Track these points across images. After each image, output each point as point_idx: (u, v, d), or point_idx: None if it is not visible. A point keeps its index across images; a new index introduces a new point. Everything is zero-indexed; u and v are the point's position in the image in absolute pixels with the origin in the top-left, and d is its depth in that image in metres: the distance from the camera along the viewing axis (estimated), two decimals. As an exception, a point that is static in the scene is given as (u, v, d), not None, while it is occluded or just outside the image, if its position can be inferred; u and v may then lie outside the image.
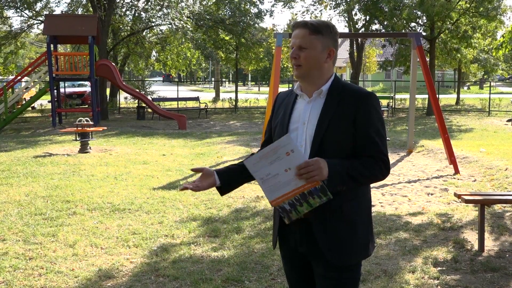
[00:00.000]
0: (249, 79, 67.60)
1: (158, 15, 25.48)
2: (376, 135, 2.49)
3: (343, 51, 50.48)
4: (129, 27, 27.45)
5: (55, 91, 20.42)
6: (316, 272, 2.59)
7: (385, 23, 24.92)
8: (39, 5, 26.25)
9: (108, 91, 28.38)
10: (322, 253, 2.50)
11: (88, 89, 28.19)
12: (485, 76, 48.13)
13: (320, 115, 2.51)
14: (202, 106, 26.24)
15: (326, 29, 2.54)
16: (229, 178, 2.69)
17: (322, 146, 2.47)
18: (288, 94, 2.72)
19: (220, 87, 48.97)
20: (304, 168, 2.33)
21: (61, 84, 23.30)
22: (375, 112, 2.52)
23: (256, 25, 29.91)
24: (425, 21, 24.58)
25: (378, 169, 2.50)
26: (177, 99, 27.92)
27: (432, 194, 8.38)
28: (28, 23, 26.84)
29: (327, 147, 2.47)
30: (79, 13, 27.85)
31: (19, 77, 21.37)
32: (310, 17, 32.22)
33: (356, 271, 2.59)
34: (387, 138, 13.62)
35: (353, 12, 29.37)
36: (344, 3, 28.19)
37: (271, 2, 43.40)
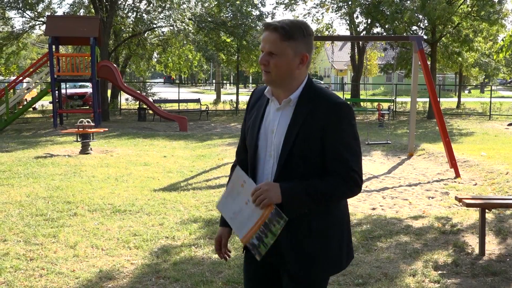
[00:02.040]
0: (250, 81, 67.58)
1: (160, 17, 25.52)
2: (345, 151, 2.34)
3: (345, 54, 50.47)
4: (130, 29, 27.47)
5: (57, 92, 20.44)
6: (284, 283, 2.50)
7: (387, 26, 24.93)
8: (41, 6, 26.25)
9: (109, 92, 28.39)
10: (289, 268, 2.41)
11: (89, 90, 28.20)
12: (486, 80, 48.12)
13: (288, 126, 2.36)
14: (203, 108, 26.25)
15: (299, 33, 2.34)
16: None
17: (289, 159, 2.35)
18: (262, 94, 2.56)
19: (221, 89, 48.98)
20: (254, 195, 2.29)
21: (63, 85, 23.32)
22: (346, 124, 2.35)
23: (258, 27, 29.91)
24: (426, 24, 24.58)
25: (345, 187, 2.36)
26: (178, 101, 27.93)
27: (433, 198, 8.38)
28: (30, 24, 26.85)
29: (295, 161, 2.34)
30: (81, 14, 27.89)
31: (20, 78, 21.40)
32: (312, 20, 32.27)
33: (323, 285, 2.50)
34: (389, 142, 13.56)
35: (355, 15, 29.42)
36: (345, 6, 28.23)
37: (272, 4, 43.41)
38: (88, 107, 27.54)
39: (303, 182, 2.32)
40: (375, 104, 28.56)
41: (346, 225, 2.53)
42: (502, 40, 11.33)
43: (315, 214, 2.39)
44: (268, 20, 26.73)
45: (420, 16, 23.53)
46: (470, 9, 23.55)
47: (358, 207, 7.69)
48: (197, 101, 27.36)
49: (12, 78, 28.04)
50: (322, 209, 2.41)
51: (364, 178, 9.94)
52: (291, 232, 2.37)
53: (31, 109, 25.07)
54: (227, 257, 2.73)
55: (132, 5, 27.28)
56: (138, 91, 25.64)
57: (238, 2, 28.43)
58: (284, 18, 2.45)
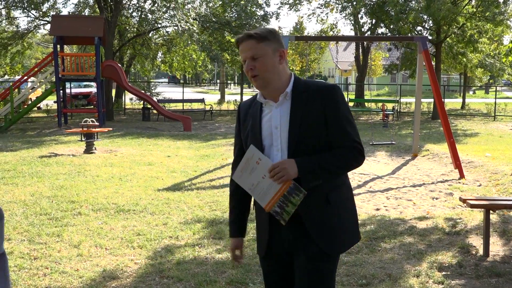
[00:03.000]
0: (255, 81, 67.53)
1: (165, 16, 25.54)
2: (347, 125, 2.59)
3: (349, 54, 50.41)
4: (135, 29, 27.52)
5: (61, 91, 20.48)
6: (297, 264, 2.64)
7: (391, 26, 24.89)
8: (46, 6, 26.32)
9: (113, 92, 28.44)
10: (313, 243, 2.57)
11: (94, 90, 28.27)
12: (491, 81, 48.01)
13: (290, 116, 2.58)
14: (207, 107, 26.26)
15: (270, 35, 2.59)
16: (246, 225, 2.95)
17: (298, 146, 2.55)
18: (251, 103, 2.76)
19: (226, 89, 49.03)
20: (272, 172, 2.49)
21: (67, 84, 23.37)
22: (342, 103, 2.60)
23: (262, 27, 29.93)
24: (431, 25, 24.53)
25: (352, 157, 2.60)
26: (182, 101, 27.94)
27: (437, 199, 8.36)
28: (35, 23, 26.91)
29: (303, 146, 2.55)
30: (86, 14, 27.94)
31: (25, 77, 21.44)
32: (317, 20, 32.26)
33: (336, 262, 2.67)
34: (393, 142, 13.53)
35: (359, 16, 29.39)
36: (350, 7, 28.19)
37: (277, 4, 43.43)
38: (92, 106, 27.60)
39: (315, 156, 2.54)
40: (380, 104, 28.54)
41: (352, 197, 2.78)
42: (511, 42, 11.29)
43: (330, 188, 2.60)
44: (273, 20, 26.72)
45: (425, 17, 23.48)
46: (475, 10, 23.49)
47: (362, 207, 7.68)
48: (201, 101, 27.36)
49: (17, 77, 28.10)
50: (335, 182, 2.64)
51: (368, 178, 9.96)
52: (310, 207, 2.56)
53: (35, 108, 25.14)
54: (242, 262, 3.00)
55: (137, 5, 27.34)
56: (143, 91, 25.68)
57: (242, 2, 28.44)
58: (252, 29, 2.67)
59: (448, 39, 24.71)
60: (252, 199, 2.71)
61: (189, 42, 27.02)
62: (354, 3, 27.00)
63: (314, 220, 2.57)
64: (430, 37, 24.50)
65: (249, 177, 2.57)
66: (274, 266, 2.77)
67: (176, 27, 25.22)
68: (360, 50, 31.15)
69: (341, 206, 2.64)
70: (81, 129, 13.12)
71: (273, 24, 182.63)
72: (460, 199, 6.00)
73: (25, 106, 20.75)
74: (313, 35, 34.93)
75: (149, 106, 22.86)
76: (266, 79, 2.59)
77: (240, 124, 2.80)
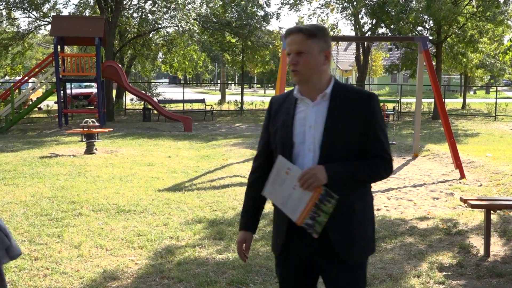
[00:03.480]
0: (255, 81, 67.61)
1: (165, 17, 25.55)
2: (381, 134, 2.58)
3: (350, 54, 50.43)
4: (136, 29, 27.53)
5: (62, 92, 20.49)
6: (327, 272, 2.61)
7: (392, 26, 24.89)
8: (46, 6, 26.34)
9: (114, 92, 28.44)
10: (335, 253, 2.55)
11: (94, 90, 28.27)
12: (491, 81, 48.00)
13: (326, 118, 2.54)
14: (208, 108, 26.26)
15: (320, 32, 2.56)
16: (258, 222, 2.88)
17: (331, 149, 2.51)
18: (285, 98, 2.72)
19: (226, 90, 49.01)
20: (302, 179, 2.44)
21: (68, 85, 23.38)
22: (378, 112, 2.60)
23: (263, 28, 29.93)
24: (431, 25, 24.53)
25: (382, 167, 2.59)
26: (183, 101, 27.95)
27: (437, 199, 8.36)
28: (36, 24, 26.94)
29: (336, 149, 2.52)
30: (87, 14, 27.95)
31: (26, 78, 21.46)
32: (317, 20, 32.23)
33: (366, 266, 2.69)
34: (394, 142, 13.54)
35: (360, 16, 29.38)
36: (351, 7, 28.18)
37: (277, 5, 43.45)
38: (93, 107, 27.60)
39: (346, 164, 2.52)
40: (380, 104, 28.50)
41: (373, 208, 2.76)
42: (509, 40, 11.29)
43: (357, 197, 2.59)
44: (273, 20, 26.72)
45: (425, 17, 23.48)
46: (475, 10, 23.48)
47: (363, 208, 7.66)
48: (202, 101, 27.37)
49: (18, 78, 28.12)
50: (361, 191, 2.62)
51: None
52: (337, 217, 2.51)
53: (36, 109, 25.13)
54: (247, 259, 2.86)
55: (137, 5, 27.36)
56: (143, 91, 25.68)
57: (243, 3, 28.45)
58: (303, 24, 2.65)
59: (448, 39, 24.70)
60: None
61: (190, 42, 27.06)
62: (355, 3, 27.00)
63: (338, 228, 2.53)
64: (430, 37, 24.50)
65: (280, 189, 2.52)
66: (290, 267, 2.71)
67: (176, 28, 25.25)
68: (361, 50, 31.14)
69: (365, 215, 2.63)
70: (81, 129, 13.13)
71: (273, 25, 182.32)
72: (461, 199, 5.99)
73: (26, 107, 20.75)
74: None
75: (149, 106, 22.87)
76: (306, 76, 2.56)
77: (270, 118, 2.74)
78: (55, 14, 25.45)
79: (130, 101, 31.27)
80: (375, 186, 9.32)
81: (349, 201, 2.53)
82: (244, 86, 39.86)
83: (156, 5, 25.27)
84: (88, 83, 28.62)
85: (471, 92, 54.13)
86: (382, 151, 2.57)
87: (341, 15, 30.66)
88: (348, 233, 2.55)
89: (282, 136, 2.62)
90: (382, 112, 2.63)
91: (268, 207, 7.65)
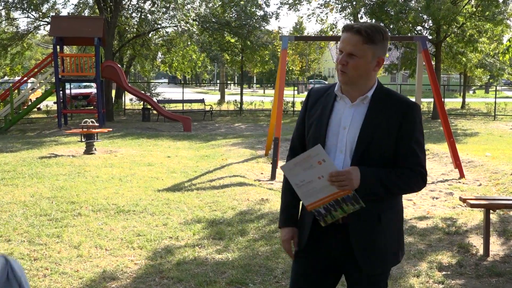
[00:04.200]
0: (254, 81, 67.61)
1: (164, 17, 25.54)
2: (417, 147, 2.49)
3: (349, 54, 50.14)
4: (135, 29, 27.52)
5: (61, 92, 20.48)
6: (350, 274, 2.60)
7: (391, 26, 24.88)
8: (45, 7, 26.33)
9: (113, 92, 28.44)
10: (356, 261, 2.50)
11: (93, 90, 28.28)
12: (490, 80, 48.02)
13: (364, 121, 2.47)
14: (207, 108, 26.26)
15: (379, 37, 2.44)
16: (297, 215, 2.74)
17: (363, 154, 2.45)
18: (325, 92, 2.63)
19: (225, 90, 49.01)
20: (335, 177, 2.38)
21: (67, 85, 23.37)
22: (418, 123, 2.50)
23: (262, 27, 29.93)
24: (431, 24, 24.55)
25: (415, 181, 2.51)
26: (182, 101, 27.96)
27: (437, 198, 8.36)
28: (35, 24, 26.93)
29: (369, 155, 2.45)
30: (86, 14, 27.95)
31: (25, 78, 21.45)
32: (316, 20, 32.26)
33: (387, 277, 2.64)
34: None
35: (359, 16, 29.34)
36: (350, 6, 28.18)
37: (277, 4, 43.34)
38: (92, 107, 27.60)
39: (380, 172, 2.44)
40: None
41: (403, 219, 2.68)
42: (509, 40, 11.29)
43: (384, 207, 2.52)
44: (272, 20, 26.69)
45: (425, 16, 23.49)
46: (474, 9, 23.49)
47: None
48: (201, 101, 27.37)
49: (17, 78, 28.11)
50: (390, 201, 2.55)
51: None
52: (360, 223, 2.47)
53: (35, 109, 25.14)
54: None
55: (137, 5, 27.33)
56: (142, 92, 25.68)
57: (242, 3, 28.45)
58: (364, 22, 2.55)
59: (447, 38, 24.72)
60: None
61: (189, 42, 27.04)
62: (354, 3, 27.01)
63: (361, 236, 2.48)
64: (429, 37, 24.51)
65: (303, 172, 2.44)
66: (309, 266, 2.65)
67: (176, 28, 25.24)
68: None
69: (391, 227, 2.54)
70: (81, 129, 13.12)
71: (272, 24, 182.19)
72: (460, 198, 5.99)
73: (25, 107, 20.75)
74: (313, 35, 34.92)
75: (149, 106, 22.87)
76: (353, 79, 2.48)
77: (306, 109, 2.66)
78: (54, 14, 25.45)
79: (130, 101, 31.27)
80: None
81: (375, 210, 2.47)
82: (244, 86, 39.88)
83: (156, 5, 25.27)
84: (87, 83, 28.61)
85: (471, 92, 54.14)
86: (417, 165, 2.49)
87: (340, 14, 30.68)
88: (371, 243, 2.49)
89: (315, 132, 2.55)
90: (422, 125, 2.53)
91: (268, 207, 7.65)
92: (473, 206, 5.68)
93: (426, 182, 2.57)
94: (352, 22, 31.48)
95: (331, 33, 31.51)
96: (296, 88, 42.38)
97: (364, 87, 2.51)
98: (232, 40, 30.20)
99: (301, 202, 2.65)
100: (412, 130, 2.47)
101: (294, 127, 2.79)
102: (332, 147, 2.51)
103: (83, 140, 13.11)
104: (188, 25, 24.08)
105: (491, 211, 5.74)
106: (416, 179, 2.50)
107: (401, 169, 2.48)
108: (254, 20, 28.60)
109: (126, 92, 25.90)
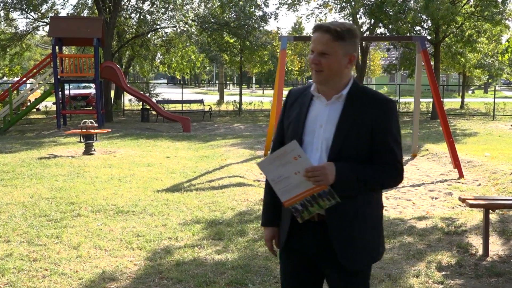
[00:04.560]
0: (254, 82, 67.63)
1: (163, 17, 25.54)
2: (393, 143, 2.53)
3: (348, 54, 50.15)
4: (134, 30, 27.52)
5: (60, 93, 20.48)
6: (328, 274, 2.61)
7: (390, 26, 24.91)
8: (44, 7, 26.33)
9: (112, 93, 28.43)
10: (335, 258, 2.51)
11: (92, 91, 28.27)
12: (489, 80, 48.04)
13: (339, 119, 2.50)
14: (207, 108, 26.26)
15: (348, 34, 2.49)
16: (279, 215, 2.75)
17: (340, 151, 2.47)
18: (302, 93, 2.68)
19: (225, 90, 49.02)
20: (311, 172, 2.40)
21: (66, 86, 23.36)
22: (394, 120, 2.54)
23: (261, 28, 29.94)
24: (430, 25, 24.56)
25: (391, 176, 2.55)
26: (182, 102, 27.96)
27: (436, 198, 8.36)
28: (34, 25, 26.91)
29: (345, 151, 2.47)
30: (85, 15, 27.94)
31: (24, 79, 21.44)
32: (315, 21, 32.26)
33: (368, 273, 2.65)
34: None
35: (358, 16, 29.37)
36: (349, 7, 28.19)
37: (275, 5, 43.41)
38: (91, 108, 27.61)
39: (356, 168, 2.46)
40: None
41: (382, 216, 2.71)
42: (507, 41, 11.30)
43: (362, 203, 2.53)
44: (271, 20, 26.71)
45: (424, 16, 23.51)
46: (473, 9, 23.51)
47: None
48: (200, 101, 27.37)
49: (16, 79, 28.09)
50: (368, 197, 2.56)
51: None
52: (338, 219, 2.50)
53: (34, 110, 25.12)
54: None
55: (136, 6, 27.34)
56: (141, 92, 25.67)
57: (241, 3, 28.45)
58: (334, 21, 2.56)
59: (446, 38, 24.74)
60: None
61: (188, 43, 27.03)
62: (353, 3, 27.01)
63: (339, 232, 2.49)
64: (428, 37, 24.54)
65: (279, 168, 2.47)
66: (292, 264, 2.69)
67: (174, 28, 25.24)
68: (359, 50, 31.13)
69: (369, 222, 2.56)
70: (80, 130, 13.11)
71: (271, 25, 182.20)
72: (460, 198, 6.00)
73: (24, 108, 20.74)
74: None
75: (148, 107, 22.86)
76: (327, 78, 2.51)
77: (285, 110, 2.71)
78: (53, 15, 25.43)
79: (129, 101, 31.26)
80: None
81: (353, 205, 2.50)
82: (243, 86, 39.87)
83: (154, 6, 25.27)
84: (86, 84, 28.60)
85: (470, 92, 54.16)
86: (394, 160, 2.53)
87: (339, 15, 30.62)
88: (349, 239, 2.50)
89: (293, 131, 2.59)
90: (398, 121, 2.56)
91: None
92: (472, 206, 5.68)
93: (403, 177, 2.60)
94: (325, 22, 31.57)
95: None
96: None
97: (338, 85, 2.54)
98: (231, 41, 30.20)
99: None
100: (388, 127, 2.51)
101: (275, 129, 2.82)
102: (309, 145, 2.54)
103: (82, 140, 13.11)
104: (187, 25, 24.08)
105: (490, 211, 5.74)
106: (393, 174, 2.54)
107: (378, 164, 2.50)
108: (253, 21, 28.61)
109: (125, 92, 25.89)
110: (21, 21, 61.26)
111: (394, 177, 2.55)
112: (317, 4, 30.69)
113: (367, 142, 2.48)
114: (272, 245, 2.78)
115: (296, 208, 2.48)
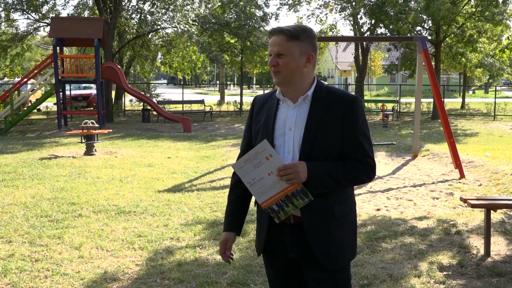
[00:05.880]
0: (254, 82, 67.63)
1: (164, 18, 25.54)
2: (363, 139, 2.54)
3: (348, 54, 50.38)
4: (134, 30, 27.53)
5: (61, 93, 20.48)
6: (309, 275, 2.60)
7: (391, 27, 24.89)
8: (45, 8, 26.31)
9: (113, 93, 28.43)
10: (315, 258, 2.52)
11: (93, 91, 28.27)
12: (490, 81, 48.02)
13: (307, 120, 2.51)
14: (207, 109, 26.26)
15: (303, 34, 2.52)
16: (242, 223, 2.83)
17: (311, 151, 2.49)
18: (268, 98, 2.69)
19: (225, 90, 49.02)
20: (282, 171, 2.43)
21: (67, 86, 23.36)
22: (361, 116, 2.55)
23: (262, 28, 29.94)
24: (430, 25, 24.54)
25: (363, 172, 2.56)
26: (182, 102, 27.96)
27: (437, 198, 8.36)
28: (35, 25, 26.93)
29: (316, 152, 2.49)
30: (85, 16, 27.95)
31: (25, 80, 21.45)
32: (316, 21, 32.28)
33: (348, 270, 2.65)
34: (394, 142, 13.51)
35: (359, 16, 29.39)
36: (349, 7, 28.19)
37: (276, 5, 43.38)
38: (92, 108, 27.59)
39: (327, 164, 2.49)
40: (379, 104, 28.53)
41: (355, 211, 2.73)
42: (508, 38, 11.29)
43: (336, 200, 2.55)
44: (272, 20, 26.76)
45: (424, 17, 23.50)
46: (474, 10, 23.50)
47: (363, 208, 7.68)
48: (201, 102, 27.38)
49: (17, 79, 28.10)
50: (341, 194, 2.58)
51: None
52: (314, 217, 2.51)
53: (35, 110, 25.12)
54: (231, 260, 2.84)
55: (136, 6, 27.34)
56: (142, 92, 25.67)
57: (242, 3, 28.45)
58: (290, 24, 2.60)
59: (447, 39, 24.72)
60: (253, 199, 2.64)
61: (189, 43, 27.03)
62: (354, 3, 27.00)
63: (316, 231, 2.51)
64: (429, 37, 24.51)
65: (253, 170, 2.49)
66: (275, 267, 2.72)
67: (175, 29, 25.23)
68: (360, 50, 31.13)
69: (345, 219, 2.58)
70: (81, 131, 13.13)
71: (272, 25, 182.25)
72: (461, 199, 6.00)
73: (25, 108, 20.74)
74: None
75: (149, 107, 22.87)
76: (286, 78, 2.54)
77: (252, 117, 2.73)
78: (54, 15, 25.44)
79: (130, 102, 31.26)
80: (375, 186, 9.33)
81: (327, 203, 2.51)
82: (243, 86, 39.87)
83: (155, 6, 25.27)
84: (87, 84, 28.60)
85: (470, 92, 54.15)
86: (365, 156, 2.54)
87: (340, 15, 30.68)
88: (326, 237, 2.52)
89: (262, 137, 2.58)
90: (365, 117, 2.59)
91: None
92: (473, 206, 5.69)
93: (375, 172, 2.61)
94: (320, 24, 31.60)
95: (330, 33, 31.55)
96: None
97: (301, 86, 2.56)
98: (232, 41, 30.20)
99: (256, 208, 2.72)
100: (356, 123, 2.52)
101: (242, 137, 2.83)
102: (280, 148, 2.55)
103: (83, 141, 13.12)
104: (187, 26, 24.08)
105: (491, 211, 5.74)
106: (365, 169, 2.56)
107: (349, 161, 2.53)
108: (253, 21, 28.61)
109: (126, 93, 25.89)
110: (22, 22, 61.41)
111: (367, 173, 2.57)
112: (318, 4, 30.66)
113: (337, 140, 2.51)
114: (223, 248, 2.79)
115: (273, 209, 2.50)
